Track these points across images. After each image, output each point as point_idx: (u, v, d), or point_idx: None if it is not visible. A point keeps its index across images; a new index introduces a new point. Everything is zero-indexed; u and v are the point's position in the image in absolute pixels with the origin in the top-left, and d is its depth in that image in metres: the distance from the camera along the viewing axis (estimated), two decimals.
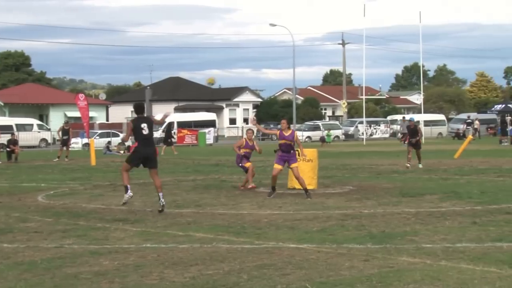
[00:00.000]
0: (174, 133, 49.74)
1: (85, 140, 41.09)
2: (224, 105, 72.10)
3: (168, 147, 36.68)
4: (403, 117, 46.58)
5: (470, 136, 33.48)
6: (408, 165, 22.11)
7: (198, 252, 8.37)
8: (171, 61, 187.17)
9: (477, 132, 51.35)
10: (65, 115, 56.30)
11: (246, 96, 73.54)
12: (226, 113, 71.85)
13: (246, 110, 73.52)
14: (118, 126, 56.40)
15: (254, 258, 7.98)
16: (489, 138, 50.48)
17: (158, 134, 49.06)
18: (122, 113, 70.56)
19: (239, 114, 72.60)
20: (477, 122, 53.22)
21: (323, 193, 15.08)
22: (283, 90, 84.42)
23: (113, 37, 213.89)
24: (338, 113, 79.06)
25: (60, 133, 32.00)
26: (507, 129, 41.41)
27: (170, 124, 42.38)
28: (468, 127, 50.12)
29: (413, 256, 7.90)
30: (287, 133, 14.58)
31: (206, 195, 14.96)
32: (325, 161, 25.40)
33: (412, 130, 22.94)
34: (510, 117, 48.81)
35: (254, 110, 74.17)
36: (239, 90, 74.00)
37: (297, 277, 6.90)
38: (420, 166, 22.22)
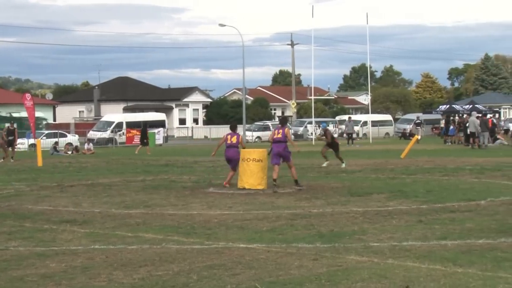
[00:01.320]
0: (123, 133, 49.23)
1: (32, 141, 40.25)
2: (173, 105, 71.63)
3: (143, 147, 36.41)
4: (349, 117, 47.15)
5: (416, 136, 34.10)
6: (325, 164, 22.61)
7: (147, 253, 8.30)
8: (120, 61, 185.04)
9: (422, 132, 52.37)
10: (11, 115, 55.07)
11: (196, 96, 73.25)
12: (176, 113, 71.41)
13: (196, 110, 73.24)
14: (65, 126, 55.45)
15: (204, 258, 7.96)
16: (434, 138, 51.48)
17: (106, 134, 48.46)
18: (70, 113, 69.39)
19: (188, 114, 72.29)
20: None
21: (273, 193, 15.11)
22: (233, 90, 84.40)
23: (60, 36, 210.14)
24: (287, 113, 79.48)
25: (5, 134, 31.26)
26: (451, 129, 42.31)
27: (146, 124, 41.90)
28: (417, 128, 51.01)
29: (361, 255, 7.99)
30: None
31: (156, 196, 14.86)
32: None
33: (325, 134, 23.82)
34: (453, 118, 49.85)
35: (204, 110, 73.97)
36: (189, 90, 73.67)
37: (247, 277, 6.90)
38: (343, 166, 22.48)
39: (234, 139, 16.60)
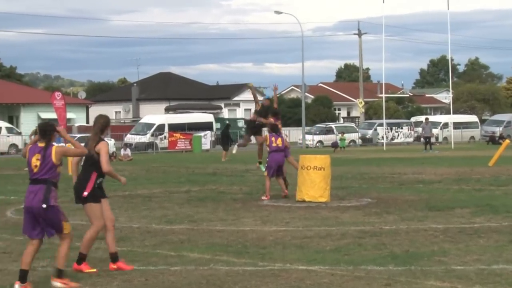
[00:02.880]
0: (165, 137, 49.86)
1: (62, 145, 41.14)
2: (222, 105, 72.16)
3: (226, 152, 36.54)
4: (426, 119, 46.59)
5: (507, 140, 33.41)
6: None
7: (193, 276, 8.34)
8: (161, 54, 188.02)
9: None
10: (39, 116, 56.38)
11: (248, 95, 73.56)
12: (225, 114, 71.89)
13: (247, 110, 73.48)
14: None
15: (257, 282, 7.96)
16: None
17: (146, 138, 49.16)
18: (105, 113, 70.58)
19: (239, 115, 72.61)
20: None
21: (337, 207, 15.06)
22: (291, 88, 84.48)
23: (94, 27, 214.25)
24: (354, 113, 79.12)
25: (33, 137, 31.99)
26: None
27: (228, 126, 42.62)
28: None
29: (442, 280, 7.88)
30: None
31: (202, 209, 14.96)
32: (339, 169, 25.37)
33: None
34: None
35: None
36: (240, 88, 73.99)
37: None
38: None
39: (279, 142, 16.59)
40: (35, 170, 7.80)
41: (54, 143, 8.01)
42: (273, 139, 16.71)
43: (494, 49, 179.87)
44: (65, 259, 7.94)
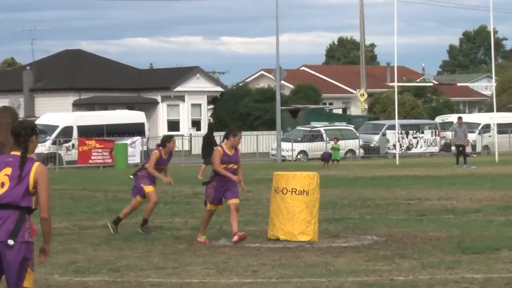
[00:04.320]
0: (73, 146, 49.52)
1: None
2: (159, 98, 71.90)
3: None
4: (459, 118, 46.90)
5: None
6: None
7: None
8: (66, 23, 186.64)
9: None
10: None
11: (197, 83, 73.30)
12: (163, 112, 71.62)
13: (196, 106, 73.24)
14: None
15: None
16: None
17: (45, 147, 48.81)
18: None
19: (184, 113, 72.37)
20: None
21: (328, 248, 15.09)
22: (260, 73, 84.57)
23: None
24: (353, 111, 79.35)
25: None
26: None
27: (211, 129, 41.19)
28: None
29: None
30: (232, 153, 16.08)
31: (128, 252, 14.93)
32: (331, 192, 25.41)
33: None
34: None
35: (211, 106, 74.05)
36: (185, 73, 73.72)
37: None
38: None
39: None
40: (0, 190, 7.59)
41: (34, 157, 7.77)
42: (225, 150, 16.71)
43: None
44: None
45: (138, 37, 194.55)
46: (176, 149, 21.78)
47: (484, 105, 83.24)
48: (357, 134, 57.69)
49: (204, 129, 71.20)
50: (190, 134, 65.88)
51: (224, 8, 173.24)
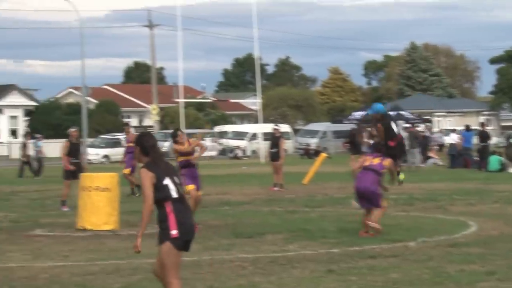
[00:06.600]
0: None
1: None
2: None
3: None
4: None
5: (323, 154, 34.87)
6: None
7: None
8: None
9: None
10: None
11: (14, 98, 71.62)
12: None
13: (13, 118, 71.55)
14: None
15: None
16: (347, 155, 53.02)
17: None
18: None
19: (4, 124, 70.50)
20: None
21: (128, 235, 14.96)
22: (68, 90, 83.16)
23: None
24: (147, 122, 79.14)
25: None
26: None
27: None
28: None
29: None
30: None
31: None
32: (128, 189, 25.30)
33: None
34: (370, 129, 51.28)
35: (27, 118, 72.34)
36: (2, 90, 71.91)
37: None
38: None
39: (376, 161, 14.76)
40: None
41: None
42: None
43: (305, 47, 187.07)
44: None
45: None
46: None
47: (252, 118, 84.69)
48: None
49: (21, 137, 69.80)
50: (10, 142, 64.58)
51: (27, 34, 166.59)
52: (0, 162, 50.95)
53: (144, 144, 8.15)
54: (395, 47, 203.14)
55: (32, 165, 35.83)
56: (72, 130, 20.79)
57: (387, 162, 14.62)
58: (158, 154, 8.17)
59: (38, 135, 40.11)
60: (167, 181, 8.01)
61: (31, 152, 36.27)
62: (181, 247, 7.96)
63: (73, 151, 20.38)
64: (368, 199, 14.27)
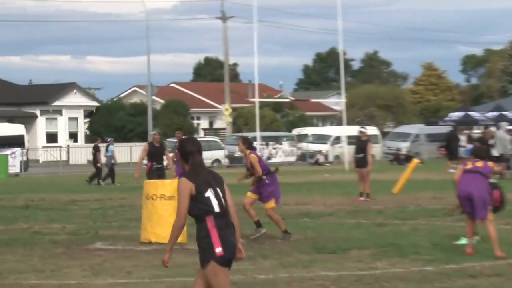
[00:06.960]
0: None
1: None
2: (38, 112, 70.78)
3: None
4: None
5: (415, 160, 34.54)
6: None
7: None
8: None
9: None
10: None
11: (74, 98, 72.55)
12: (41, 125, 70.58)
13: (73, 120, 72.48)
14: None
15: None
16: (442, 161, 52.43)
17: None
18: None
19: (62, 126, 71.49)
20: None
21: (197, 250, 14.99)
22: (133, 89, 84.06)
23: None
24: (218, 124, 79.57)
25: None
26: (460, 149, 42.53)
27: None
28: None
29: None
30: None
31: (9, 256, 14.61)
32: None
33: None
34: (469, 132, 50.46)
35: (87, 119, 73.32)
36: (62, 89, 72.85)
37: None
38: None
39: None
40: None
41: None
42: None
43: (395, 40, 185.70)
44: None
45: (10, 55, 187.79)
46: (54, 159, 21.56)
47: (335, 119, 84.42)
48: (223, 145, 58.00)
49: (80, 141, 70.68)
50: (68, 145, 65.22)
51: (88, 29, 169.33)
52: (58, 168, 51.62)
53: (183, 150, 8.10)
54: (497, 39, 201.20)
55: (102, 171, 36.02)
56: (154, 132, 20.85)
57: (492, 164, 14.41)
58: (198, 162, 8.06)
59: (109, 139, 40.39)
60: (208, 193, 7.92)
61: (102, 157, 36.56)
62: (225, 265, 7.91)
63: (155, 155, 20.41)
64: (473, 205, 13.88)
